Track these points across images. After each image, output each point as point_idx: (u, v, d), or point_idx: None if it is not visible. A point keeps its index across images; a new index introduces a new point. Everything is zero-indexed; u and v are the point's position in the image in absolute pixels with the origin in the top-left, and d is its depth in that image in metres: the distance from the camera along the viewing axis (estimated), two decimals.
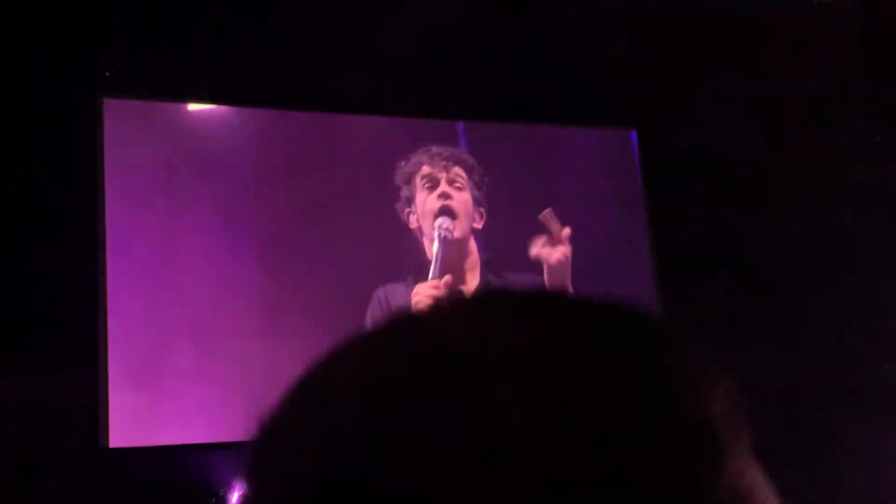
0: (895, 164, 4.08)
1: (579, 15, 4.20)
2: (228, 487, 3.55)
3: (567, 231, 3.83)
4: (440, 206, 3.78)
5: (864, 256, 4.29)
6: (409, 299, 3.70)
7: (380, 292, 3.75)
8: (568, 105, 4.24)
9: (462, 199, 3.84)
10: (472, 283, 3.77)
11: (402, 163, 3.88)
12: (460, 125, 4.10)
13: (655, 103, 4.27)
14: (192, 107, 3.84)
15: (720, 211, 4.31)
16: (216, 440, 3.59)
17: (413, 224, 3.84)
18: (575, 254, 3.88)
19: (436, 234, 3.74)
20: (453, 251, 3.76)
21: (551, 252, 3.80)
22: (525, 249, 3.89)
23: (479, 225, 3.87)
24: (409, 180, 3.86)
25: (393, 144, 3.96)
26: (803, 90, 4.28)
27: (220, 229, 3.71)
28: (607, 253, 4.12)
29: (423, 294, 3.68)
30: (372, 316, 3.72)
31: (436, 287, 3.69)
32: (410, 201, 3.85)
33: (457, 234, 3.76)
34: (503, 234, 4.02)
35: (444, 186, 3.82)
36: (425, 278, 3.74)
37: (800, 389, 4.05)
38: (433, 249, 3.73)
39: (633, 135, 4.31)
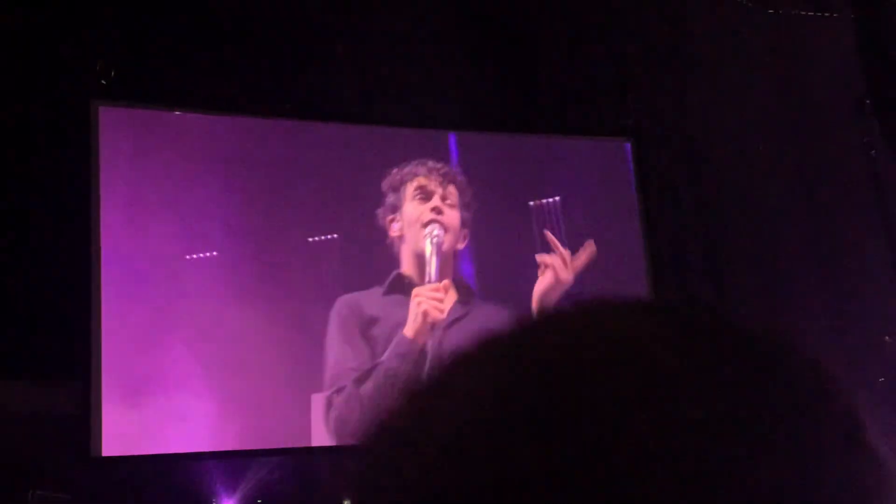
0: (891, 175, 4.07)
1: (576, 24, 4.20)
2: (220, 496, 3.55)
3: (574, 259, 3.89)
4: (431, 219, 3.79)
5: (859, 266, 4.29)
6: (384, 309, 3.72)
7: (350, 301, 3.74)
8: (564, 116, 4.24)
9: (452, 217, 3.86)
10: (448, 300, 3.79)
11: (395, 170, 3.88)
12: (452, 136, 4.12)
13: (651, 114, 4.28)
14: (186, 114, 3.84)
15: (715, 218, 4.31)
16: (208, 449, 3.59)
17: (394, 232, 3.84)
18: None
19: (427, 239, 3.75)
20: (443, 260, 3.78)
21: (559, 272, 3.85)
22: (515, 259, 3.95)
23: (461, 245, 3.89)
24: (398, 188, 3.86)
25: (387, 153, 3.96)
26: (799, 101, 4.28)
27: (215, 238, 3.71)
28: (602, 261, 4.12)
29: (425, 296, 3.71)
30: (343, 323, 3.70)
31: (436, 290, 3.72)
32: (395, 208, 3.85)
33: (445, 246, 3.79)
34: (499, 242, 4.04)
35: (436, 201, 3.83)
36: (401, 286, 3.76)
37: None
38: (426, 253, 3.74)
39: (628, 147, 4.31)
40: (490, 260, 3.97)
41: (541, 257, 3.90)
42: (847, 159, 4.24)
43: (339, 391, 3.65)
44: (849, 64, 4.08)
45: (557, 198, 4.09)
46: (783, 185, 4.30)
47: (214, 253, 3.69)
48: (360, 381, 3.65)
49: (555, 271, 3.86)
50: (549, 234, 3.90)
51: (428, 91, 4.01)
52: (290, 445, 3.70)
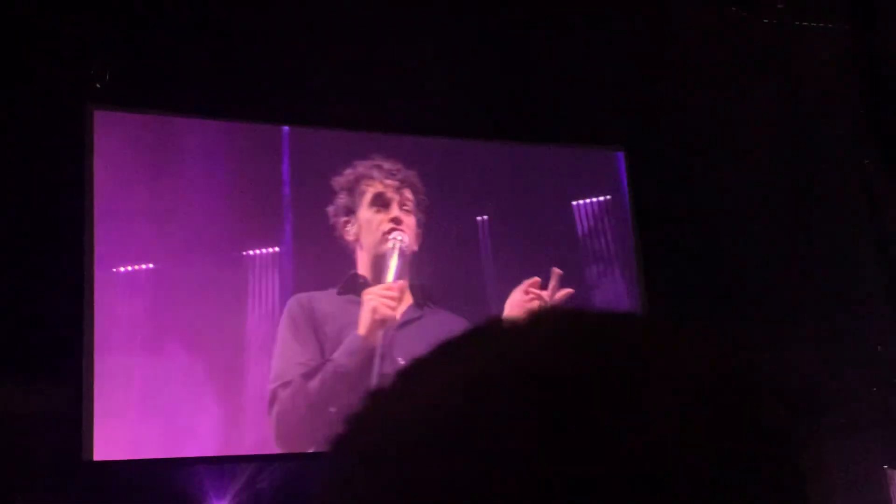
0: (884, 185, 4.09)
1: (571, 34, 4.21)
2: (212, 501, 3.54)
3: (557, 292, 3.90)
4: (391, 228, 3.81)
5: (852, 276, 4.30)
6: (337, 307, 3.72)
7: (302, 299, 3.74)
8: (557, 125, 4.24)
9: (410, 224, 3.88)
10: (403, 302, 3.80)
11: (349, 170, 3.88)
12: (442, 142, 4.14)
13: (644, 124, 4.29)
14: (181, 118, 3.84)
15: (708, 228, 4.32)
16: (200, 454, 3.58)
17: (349, 235, 3.84)
18: (567, 269, 3.94)
19: (390, 244, 3.77)
20: (406, 264, 3.80)
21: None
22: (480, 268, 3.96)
23: (415, 248, 3.90)
24: (352, 190, 3.86)
25: (375, 158, 3.97)
26: (794, 112, 4.29)
27: (209, 242, 3.71)
28: (597, 269, 4.13)
29: (376, 294, 3.72)
30: (294, 319, 3.70)
31: (389, 289, 3.73)
32: (349, 211, 3.85)
33: (407, 251, 3.80)
34: (495, 248, 4.05)
35: (395, 210, 3.85)
36: (356, 286, 3.77)
37: None
38: (391, 258, 3.76)
39: (621, 156, 4.32)
40: (455, 268, 3.99)
41: (532, 287, 3.91)
42: (841, 170, 4.26)
43: (284, 385, 3.64)
44: (844, 75, 4.10)
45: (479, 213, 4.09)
46: (776, 195, 4.31)
47: (209, 256, 3.69)
48: (307, 376, 3.65)
49: (541, 305, 3.87)
50: (555, 270, 3.90)
51: (419, 98, 4.01)
52: (282, 451, 3.70)
